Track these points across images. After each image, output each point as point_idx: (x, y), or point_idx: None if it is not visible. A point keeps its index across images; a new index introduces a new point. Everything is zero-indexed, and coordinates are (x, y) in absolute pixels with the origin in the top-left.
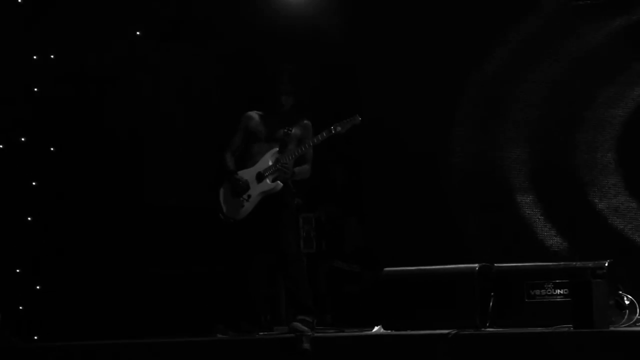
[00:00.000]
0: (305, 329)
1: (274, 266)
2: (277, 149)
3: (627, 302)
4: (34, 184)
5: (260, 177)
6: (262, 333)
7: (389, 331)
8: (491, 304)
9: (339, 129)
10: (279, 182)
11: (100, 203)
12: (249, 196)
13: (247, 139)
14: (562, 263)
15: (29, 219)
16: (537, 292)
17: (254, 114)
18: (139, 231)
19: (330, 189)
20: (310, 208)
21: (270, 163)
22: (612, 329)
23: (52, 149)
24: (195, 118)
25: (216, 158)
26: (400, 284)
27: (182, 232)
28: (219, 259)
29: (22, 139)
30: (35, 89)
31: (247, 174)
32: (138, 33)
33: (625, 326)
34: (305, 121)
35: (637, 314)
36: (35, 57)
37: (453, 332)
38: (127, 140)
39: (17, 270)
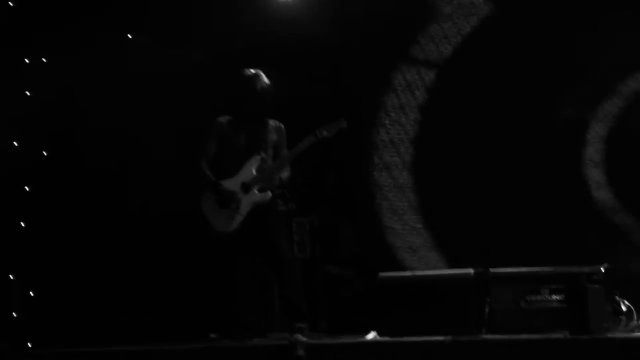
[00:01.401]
0: (300, 335)
1: (266, 271)
2: (259, 156)
3: (624, 309)
4: (27, 189)
5: (246, 188)
6: (255, 339)
7: (384, 337)
8: (487, 309)
9: (324, 133)
10: (268, 192)
11: (90, 208)
12: (237, 207)
13: (220, 146)
14: (557, 268)
15: (22, 224)
16: (533, 297)
17: (224, 120)
18: (129, 237)
19: (323, 193)
20: (303, 213)
21: (255, 172)
22: (609, 335)
23: (45, 153)
24: (176, 123)
25: (191, 166)
26: (395, 289)
27: (170, 239)
28: (208, 265)
29: (15, 144)
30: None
31: (231, 184)
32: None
33: (622, 333)
34: (278, 124)
35: (635, 321)
36: (27, 60)
37: (449, 338)
38: (111, 148)
39: (10, 277)
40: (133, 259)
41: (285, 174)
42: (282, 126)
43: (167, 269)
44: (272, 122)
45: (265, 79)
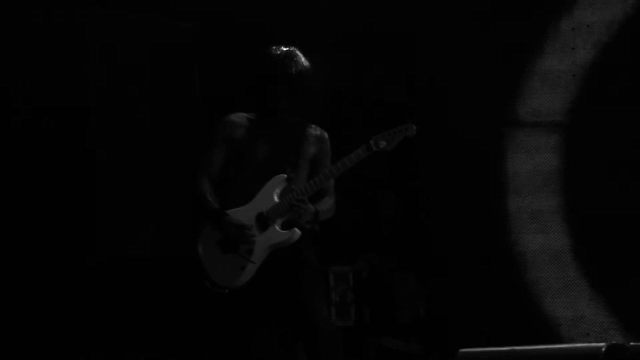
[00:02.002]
0: None
1: (294, 344)
2: (285, 175)
3: None
4: None
5: (263, 222)
6: None
7: None
8: None
9: (382, 144)
10: (295, 229)
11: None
12: (250, 251)
13: (232, 158)
14: None
15: None
16: None
17: (239, 119)
18: (87, 296)
19: (375, 229)
20: (345, 258)
21: (277, 199)
22: None
23: None
24: (162, 125)
25: (188, 188)
26: None
27: (151, 296)
28: (204, 338)
29: None
30: None
31: (242, 216)
32: None
33: None
34: (319, 132)
35: None
36: None
37: None
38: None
39: None
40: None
41: (324, 206)
42: (326, 135)
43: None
44: (312, 128)
45: (304, 61)
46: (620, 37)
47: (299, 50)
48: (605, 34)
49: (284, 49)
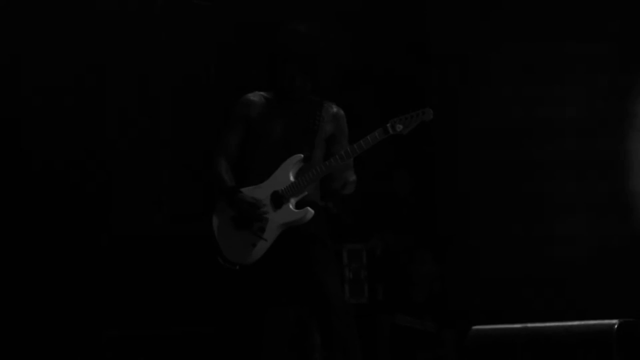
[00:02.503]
0: None
1: (307, 322)
2: (301, 155)
3: None
4: None
5: (278, 201)
6: None
7: None
8: None
9: (399, 127)
10: (308, 208)
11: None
12: (262, 229)
13: (248, 137)
14: None
15: None
16: None
17: (257, 98)
18: (101, 274)
19: (389, 207)
20: (359, 236)
21: (292, 178)
22: None
23: None
24: (178, 106)
25: (205, 167)
26: (497, 348)
27: (164, 273)
28: (217, 315)
29: None
30: None
31: (257, 193)
32: None
33: None
34: (336, 110)
35: None
36: None
37: None
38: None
39: None
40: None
41: (338, 182)
42: (342, 112)
43: (153, 320)
44: (329, 106)
45: (316, 38)
46: None
47: (311, 26)
48: None
49: (296, 26)
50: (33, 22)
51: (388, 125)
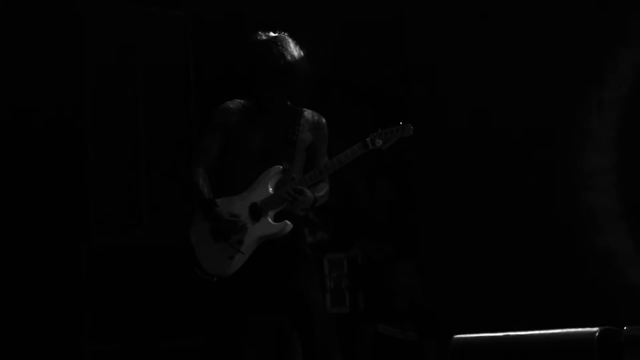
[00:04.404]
0: None
1: (288, 332)
2: (280, 167)
3: None
4: None
5: (256, 212)
6: None
7: None
8: None
9: (379, 142)
10: (287, 221)
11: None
12: (241, 242)
13: (228, 146)
14: None
15: None
16: None
17: (236, 106)
18: (81, 286)
19: (369, 216)
20: (340, 245)
21: (271, 190)
22: None
23: None
24: (156, 115)
25: (183, 176)
26: (479, 358)
27: (142, 285)
28: (197, 326)
29: None
30: None
31: (234, 205)
32: None
33: None
34: (317, 118)
35: None
36: None
37: None
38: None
39: None
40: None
41: (320, 192)
42: (324, 121)
43: (131, 334)
44: (309, 114)
45: (293, 48)
46: None
47: (288, 36)
48: None
49: (272, 35)
50: (12, 39)
51: (368, 139)
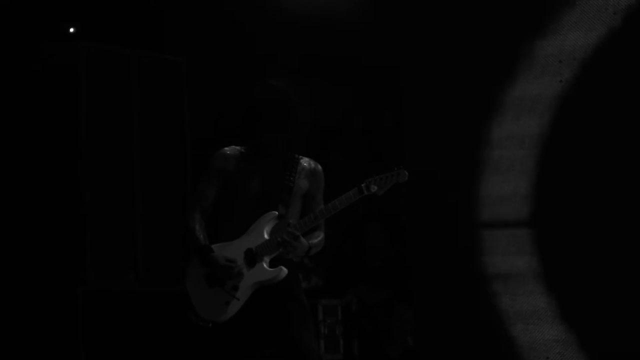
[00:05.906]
0: None
1: None
2: (276, 212)
3: None
4: None
5: (251, 258)
6: None
7: None
8: None
9: (374, 188)
10: (282, 267)
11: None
12: (236, 288)
13: (224, 192)
14: None
15: None
16: None
17: (234, 152)
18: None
19: (363, 263)
20: (334, 291)
21: (267, 236)
22: None
23: None
24: (151, 159)
25: (179, 222)
26: None
27: (136, 330)
28: None
29: None
30: None
31: (230, 251)
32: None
33: None
34: (313, 166)
35: None
36: None
37: None
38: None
39: None
40: None
41: (315, 240)
42: (320, 168)
43: None
44: (305, 161)
45: (292, 95)
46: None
47: (287, 83)
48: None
49: (272, 82)
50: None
51: (363, 185)
